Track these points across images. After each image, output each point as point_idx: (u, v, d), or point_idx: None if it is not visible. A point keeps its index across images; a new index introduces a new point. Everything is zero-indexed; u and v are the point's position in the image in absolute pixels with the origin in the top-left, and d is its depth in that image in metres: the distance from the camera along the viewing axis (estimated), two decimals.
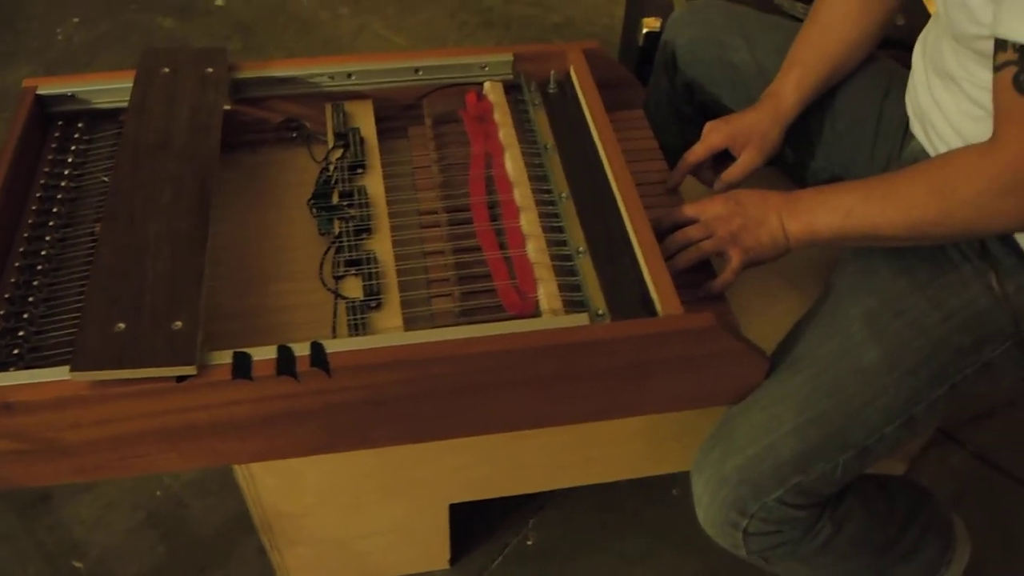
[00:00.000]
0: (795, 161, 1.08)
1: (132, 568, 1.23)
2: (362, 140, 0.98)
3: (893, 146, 1.00)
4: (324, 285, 0.85)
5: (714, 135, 1.01)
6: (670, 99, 1.17)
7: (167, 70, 0.95)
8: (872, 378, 0.84)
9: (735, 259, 0.88)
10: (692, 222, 0.91)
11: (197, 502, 1.30)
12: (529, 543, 1.26)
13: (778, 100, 1.00)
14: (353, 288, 0.85)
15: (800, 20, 1.04)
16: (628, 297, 0.83)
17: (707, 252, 0.89)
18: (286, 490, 1.00)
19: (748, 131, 1.00)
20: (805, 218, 0.85)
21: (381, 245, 0.88)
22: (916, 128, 0.95)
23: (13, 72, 1.98)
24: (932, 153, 0.91)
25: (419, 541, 1.15)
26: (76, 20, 2.13)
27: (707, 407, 0.91)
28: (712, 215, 0.90)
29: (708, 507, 0.88)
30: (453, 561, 1.22)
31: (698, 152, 1.01)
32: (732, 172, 1.00)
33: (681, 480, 0.91)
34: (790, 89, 0.99)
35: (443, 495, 1.07)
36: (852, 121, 1.02)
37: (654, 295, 0.81)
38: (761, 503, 0.85)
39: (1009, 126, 0.72)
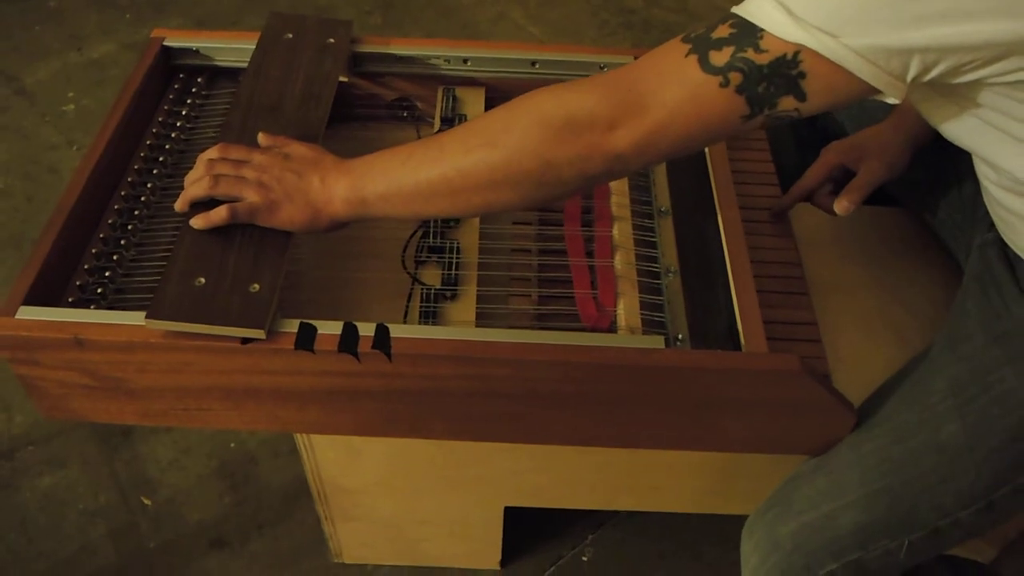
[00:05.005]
0: (935, 219, 0.98)
1: (196, 514, 1.27)
2: None
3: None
4: (404, 268, 0.85)
5: (830, 153, 0.93)
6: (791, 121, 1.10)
7: (290, 36, 0.96)
8: (950, 455, 0.75)
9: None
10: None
11: (267, 461, 1.32)
12: (584, 559, 1.23)
13: (902, 110, 0.90)
14: (432, 275, 0.84)
15: None
16: (712, 326, 0.79)
17: (212, 193, 0.76)
18: (343, 465, 1.00)
19: (866, 143, 0.91)
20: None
21: (467, 236, 0.87)
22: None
23: (163, 23, 2.06)
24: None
25: (472, 537, 1.14)
26: None
27: (783, 454, 0.86)
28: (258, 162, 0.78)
29: (755, 571, 0.82)
30: (505, 563, 1.20)
31: (812, 176, 0.93)
32: (853, 186, 0.90)
33: None
34: None
35: (499, 496, 1.05)
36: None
37: (740, 328, 0.77)
38: None
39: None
